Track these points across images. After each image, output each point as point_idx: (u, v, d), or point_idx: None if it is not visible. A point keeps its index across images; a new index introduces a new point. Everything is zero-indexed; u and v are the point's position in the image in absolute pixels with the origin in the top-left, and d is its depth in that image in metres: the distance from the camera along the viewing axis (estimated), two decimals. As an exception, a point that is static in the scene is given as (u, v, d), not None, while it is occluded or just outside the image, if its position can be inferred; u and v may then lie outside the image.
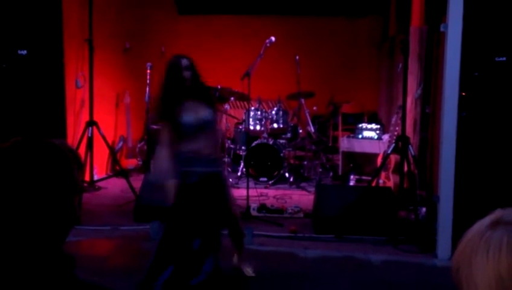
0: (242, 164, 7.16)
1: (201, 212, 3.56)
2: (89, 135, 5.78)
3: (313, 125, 7.77)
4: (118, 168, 6.70)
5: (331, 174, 7.49)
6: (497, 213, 0.91)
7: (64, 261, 1.11)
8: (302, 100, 7.69)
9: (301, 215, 5.67)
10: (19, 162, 1.09)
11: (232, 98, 7.25)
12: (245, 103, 7.23)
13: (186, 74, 3.57)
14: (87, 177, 6.41)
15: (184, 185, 3.53)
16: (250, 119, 7.31)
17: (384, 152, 5.91)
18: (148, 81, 7.35)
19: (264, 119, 7.27)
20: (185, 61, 3.59)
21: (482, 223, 0.90)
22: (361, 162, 7.18)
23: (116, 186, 6.70)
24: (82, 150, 5.65)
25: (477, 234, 0.88)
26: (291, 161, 7.71)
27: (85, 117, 6.13)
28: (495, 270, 0.83)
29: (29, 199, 1.08)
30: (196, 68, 3.65)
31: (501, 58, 4.49)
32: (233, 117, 7.80)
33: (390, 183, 5.81)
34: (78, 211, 1.15)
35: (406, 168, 5.19)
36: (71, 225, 1.15)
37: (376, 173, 5.66)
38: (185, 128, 3.51)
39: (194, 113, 3.54)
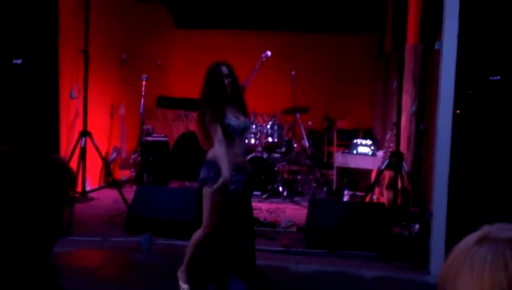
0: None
1: (241, 221, 3.80)
2: (82, 145, 5.76)
3: (308, 140, 7.78)
4: (110, 179, 6.67)
5: (325, 189, 7.48)
6: (484, 229, 0.89)
7: (49, 270, 1.10)
8: (297, 115, 7.70)
9: (294, 229, 5.64)
10: (14, 167, 1.08)
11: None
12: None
13: (227, 81, 3.73)
14: (79, 188, 6.36)
15: (227, 193, 3.70)
16: (245, 133, 7.30)
17: (378, 168, 5.91)
18: (143, 93, 7.35)
19: (258, 133, 7.27)
20: (225, 69, 3.73)
21: (469, 239, 0.89)
22: (356, 177, 7.17)
23: (108, 197, 6.66)
24: (75, 160, 5.63)
25: (464, 250, 0.87)
26: (285, 175, 7.70)
27: (79, 127, 6.11)
28: (479, 289, 0.82)
29: (19, 206, 1.06)
30: (234, 74, 3.79)
31: (495, 77, 4.52)
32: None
33: (384, 199, 5.80)
34: (65, 224, 1.15)
35: (399, 185, 5.19)
36: (57, 237, 1.14)
37: (370, 189, 5.65)
38: (229, 131, 3.68)
39: (236, 118, 3.73)
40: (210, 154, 3.75)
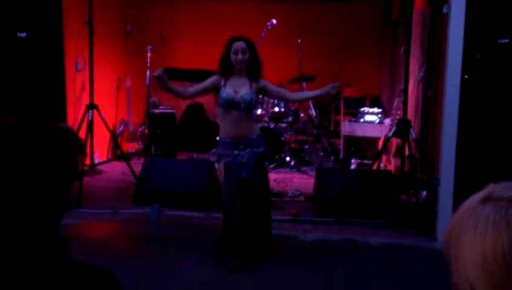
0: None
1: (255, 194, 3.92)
2: (89, 118, 5.76)
3: (315, 109, 7.74)
4: (118, 152, 6.70)
5: (332, 158, 7.48)
6: (488, 188, 0.88)
7: (56, 242, 1.10)
8: (304, 84, 7.64)
9: (302, 198, 5.67)
10: (20, 138, 1.07)
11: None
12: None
13: (235, 57, 3.80)
14: (87, 161, 6.40)
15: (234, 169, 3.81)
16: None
17: (386, 135, 5.88)
18: (148, 64, 7.31)
19: (265, 103, 7.23)
20: (237, 45, 3.81)
21: (473, 199, 0.87)
22: (363, 146, 7.15)
23: (116, 169, 6.70)
24: (82, 133, 5.65)
25: (468, 210, 0.86)
26: (293, 145, 7.69)
27: (85, 100, 6.11)
28: (481, 248, 0.81)
29: (25, 178, 1.06)
30: (253, 50, 3.88)
31: (504, 40, 4.44)
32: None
33: (391, 167, 5.79)
34: (73, 196, 1.13)
35: (407, 152, 5.16)
36: (65, 209, 1.13)
37: (377, 157, 5.64)
38: (219, 102, 3.81)
39: (233, 91, 3.79)
40: None
